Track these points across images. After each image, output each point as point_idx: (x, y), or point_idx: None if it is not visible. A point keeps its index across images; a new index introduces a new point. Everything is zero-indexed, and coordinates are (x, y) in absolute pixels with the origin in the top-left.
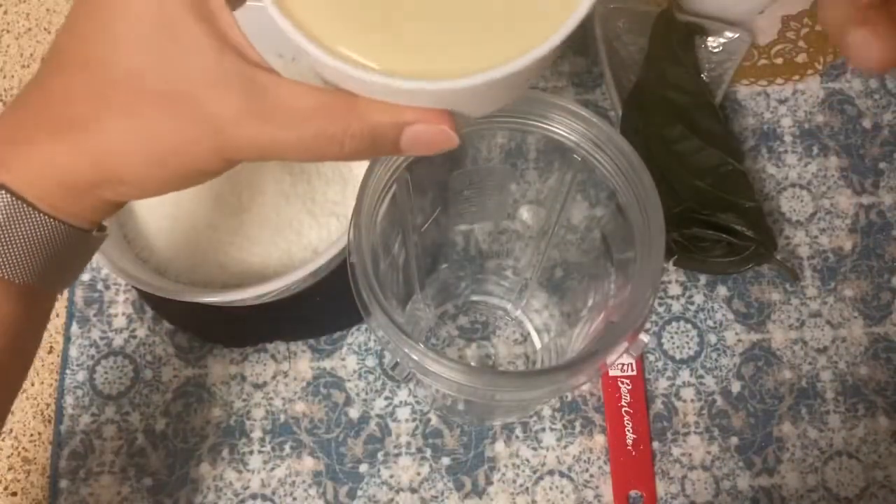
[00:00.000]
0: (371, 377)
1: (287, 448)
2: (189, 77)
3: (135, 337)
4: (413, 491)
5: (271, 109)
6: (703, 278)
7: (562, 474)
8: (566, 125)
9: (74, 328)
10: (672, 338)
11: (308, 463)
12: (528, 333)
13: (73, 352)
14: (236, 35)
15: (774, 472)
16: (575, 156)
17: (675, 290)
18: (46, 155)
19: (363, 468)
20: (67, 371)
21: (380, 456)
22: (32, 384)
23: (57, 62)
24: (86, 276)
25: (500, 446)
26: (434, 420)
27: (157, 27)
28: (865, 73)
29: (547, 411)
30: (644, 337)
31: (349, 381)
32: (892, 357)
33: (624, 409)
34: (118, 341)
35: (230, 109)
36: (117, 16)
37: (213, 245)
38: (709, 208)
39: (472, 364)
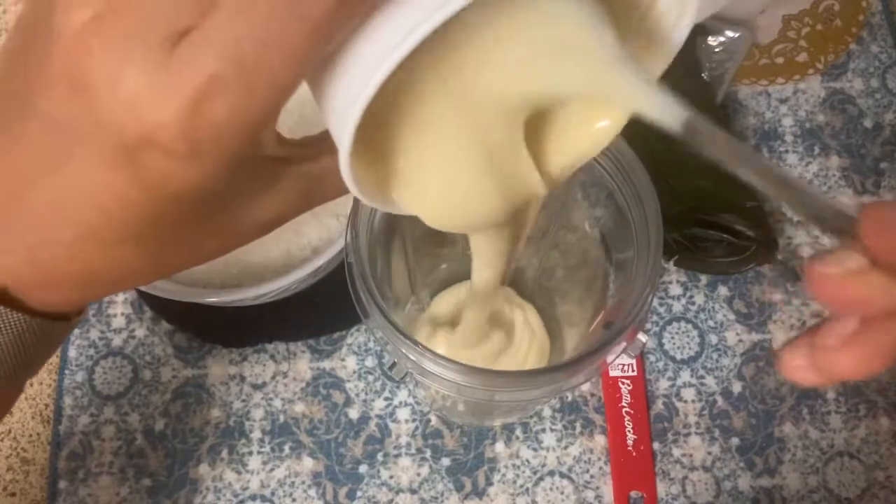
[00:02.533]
0: (371, 377)
1: (286, 449)
2: None
3: (134, 337)
4: (413, 492)
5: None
6: (703, 278)
7: (562, 475)
8: None
9: None
10: (673, 338)
11: (307, 464)
12: None
13: (72, 352)
14: None
15: (775, 473)
16: None
17: (675, 290)
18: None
19: (363, 469)
20: (66, 371)
21: (379, 457)
22: (31, 384)
23: None
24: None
25: (500, 447)
26: (434, 421)
27: None
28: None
29: (547, 412)
30: (642, 336)
31: (349, 381)
32: None
33: (624, 409)
34: (117, 342)
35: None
36: None
37: None
38: (710, 208)
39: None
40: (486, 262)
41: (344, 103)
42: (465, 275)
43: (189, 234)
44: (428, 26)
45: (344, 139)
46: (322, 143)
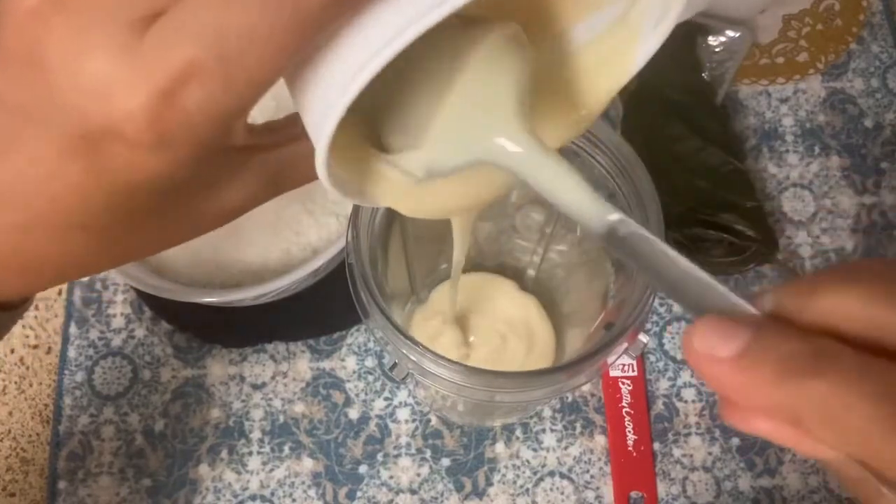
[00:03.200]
0: (371, 378)
1: (286, 449)
2: None
3: (133, 337)
4: (413, 492)
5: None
6: None
7: (562, 475)
8: None
9: (73, 328)
10: (673, 338)
11: (307, 464)
12: None
13: (72, 352)
14: None
15: (776, 473)
16: (574, 156)
17: None
18: None
19: (363, 469)
20: (66, 372)
21: (379, 457)
22: (31, 385)
23: None
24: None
25: (500, 447)
26: (434, 421)
27: None
28: None
29: (547, 412)
30: (643, 337)
31: (349, 381)
32: None
33: (625, 409)
34: (117, 342)
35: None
36: None
37: (211, 245)
38: (710, 208)
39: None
40: (460, 237)
41: (320, 106)
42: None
43: (145, 223)
44: (413, 30)
45: (321, 141)
46: (289, 129)
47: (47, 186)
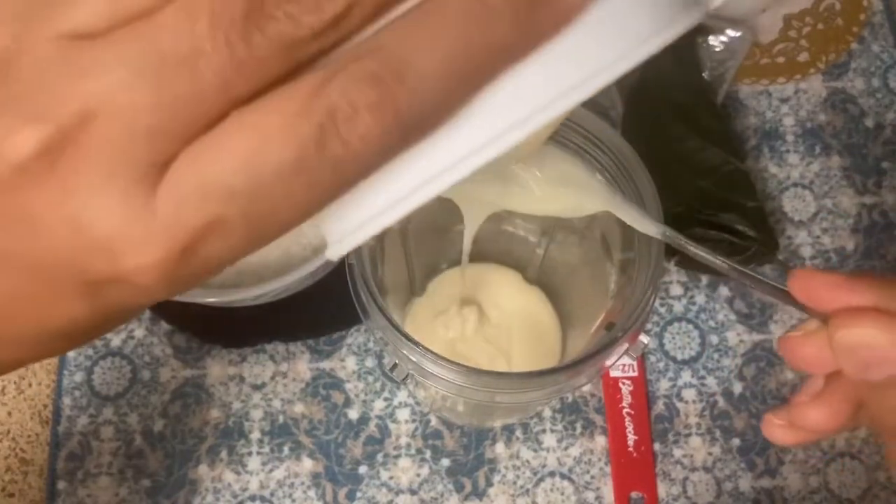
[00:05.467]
0: (370, 378)
1: (286, 449)
2: None
3: (133, 337)
4: (413, 492)
5: None
6: (704, 279)
7: (562, 476)
8: (565, 125)
9: None
10: (673, 338)
11: (307, 464)
12: None
13: (71, 353)
14: None
15: (776, 474)
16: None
17: (676, 290)
18: None
19: (362, 469)
20: (65, 372)
21: (379, 457)
22: (30, 385)
23: None
24: None
25: (500, 448)
26: (434, 421)
27: None
28: None
29: (547, 412)
30: (644, 338)
31: (348, 381)
32: None
33: (625, 410)
34: (116, 342)
35: None
36: None
37: None
38: (710, 208)
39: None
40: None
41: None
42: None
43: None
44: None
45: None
46: None
47: (33, 312)
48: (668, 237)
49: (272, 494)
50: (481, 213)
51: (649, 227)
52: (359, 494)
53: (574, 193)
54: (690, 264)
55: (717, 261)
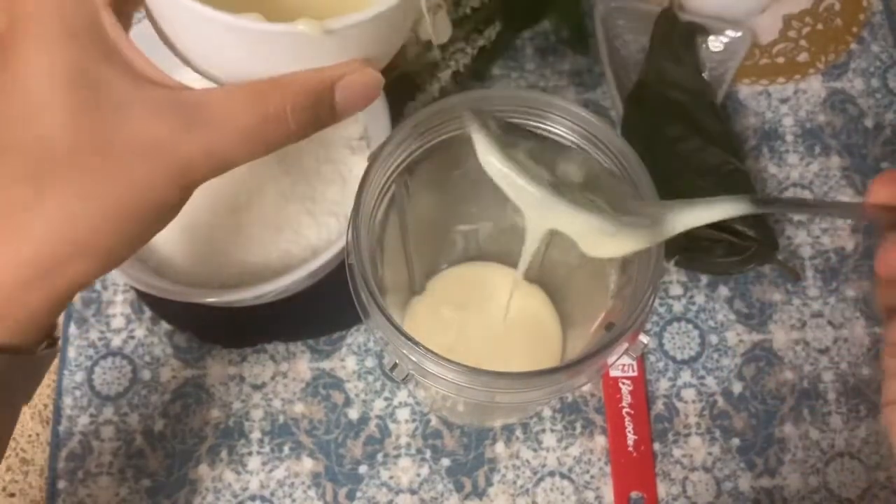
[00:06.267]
0: (370, 378)
1: (286, 449)
2: (119, 118)
3: (133, 337)
4: (413, 492)
5: (207, 117)
6: (704, 279)
7: (562, 475)
8: (565, 125)
9: (72, 329)
10: (673, 338)
11: (307, 464)
12: None
13: (72, 352)
14: (147, 66)
15: (776, 474)
16: (574, 156)
17: (676, 290)
18: None
19: (362, 469)
20: (65, 372)
21: (379, 457)
22: None
23: None
24: None
25: (500, 447)
26: (434, 421)
27: (71, 85)
28: None
29: (547, 412)
30: (644, 338)
31: (348, 381)
32: None
33: (625, 409)
34: (116, 342)
35: (171, 132)
36: (27, 87)
37: (211, 245)
38: None
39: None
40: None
41: None
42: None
43: None
44: None
45: None
46: None
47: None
48: (758, 204)
49: (272, 494)
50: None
51: (728, 207)
52: (359, 494)
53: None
54: (690, 264)
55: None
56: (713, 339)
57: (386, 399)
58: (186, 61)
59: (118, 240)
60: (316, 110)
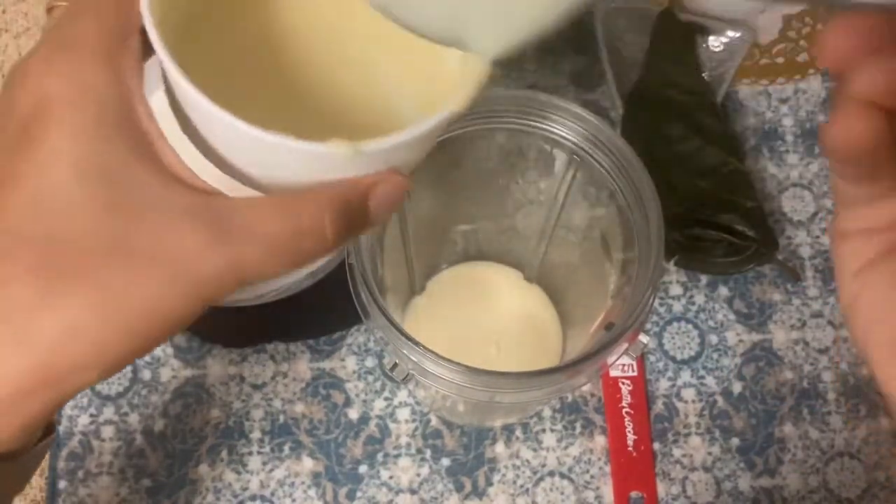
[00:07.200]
0: (370, 378)
1: (286, 449)
2: (144, 223)
3: None
4: (413, 492)
5: (238, 229)
6: (704, 278)
7: (562, 475)
8: (566, 125)
9: None
10: (673, 338)
11: (307, 464)
12: None
13: None
14: (177, 164)
15: (776, 473)
16: (574, 156)
17: (676, 290)
18: None
19: (363, 469)
20: None
21: (379, 457)
22: None
23: None
24: None
25: (500, 447)
26: (434, 421)
27: (97, 181)
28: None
29: (547, 412)
30: (643, 338)
31: (349, 381)
32: None
33: (625, 409)
34: None
35: (197, 244)
36: (49, 178)
37: None
38: (710, 208)
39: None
40: None
41: None
42: None
43: None
44: None
45: None
46: None
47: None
48: None
49: (272, 494)
50: None
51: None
52: (359, 494)
53: None
54: (690, 264)
55: None
56: (713, 339)
57: (386, 399)
58: (211, 159)
59: (127, 351)
60: (350, 220)
